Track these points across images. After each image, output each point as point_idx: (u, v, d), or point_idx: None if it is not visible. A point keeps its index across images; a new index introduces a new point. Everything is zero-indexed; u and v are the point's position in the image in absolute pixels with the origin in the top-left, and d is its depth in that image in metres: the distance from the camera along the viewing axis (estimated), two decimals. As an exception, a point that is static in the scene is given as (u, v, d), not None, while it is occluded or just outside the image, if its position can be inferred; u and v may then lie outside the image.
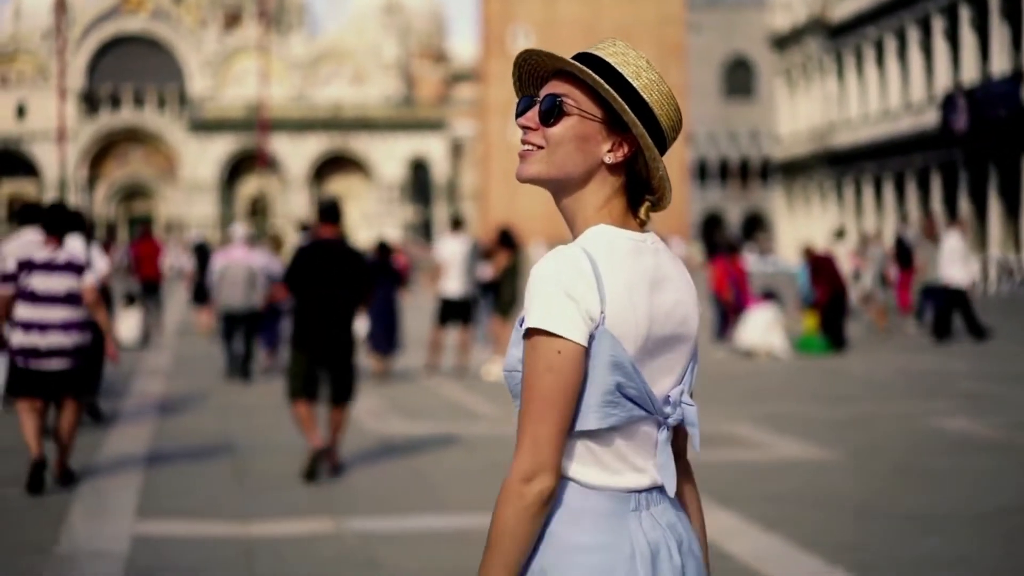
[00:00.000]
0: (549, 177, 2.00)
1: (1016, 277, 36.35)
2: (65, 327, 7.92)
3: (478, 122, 70.64)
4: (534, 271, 1.94)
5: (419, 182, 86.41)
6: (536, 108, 2.01)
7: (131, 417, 11.39)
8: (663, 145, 2.01)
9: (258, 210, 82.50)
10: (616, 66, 1.98)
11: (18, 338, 7.92)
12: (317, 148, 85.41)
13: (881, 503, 7.35)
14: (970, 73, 43.98)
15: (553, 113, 1.98)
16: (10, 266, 8.00)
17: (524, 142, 2.01)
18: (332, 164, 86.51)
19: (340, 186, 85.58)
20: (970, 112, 41.66)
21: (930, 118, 45.64)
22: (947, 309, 18.39)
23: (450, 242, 14.94)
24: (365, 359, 14.49)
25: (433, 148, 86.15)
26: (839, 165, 56.20)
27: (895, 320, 21.71)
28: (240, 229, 15.46)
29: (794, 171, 62.67)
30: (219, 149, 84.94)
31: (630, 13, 61.19)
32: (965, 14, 44.42)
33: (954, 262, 18.18)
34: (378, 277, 13.31)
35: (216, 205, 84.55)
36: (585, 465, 1.96)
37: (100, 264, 8.42)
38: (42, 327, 7.89)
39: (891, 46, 51.15)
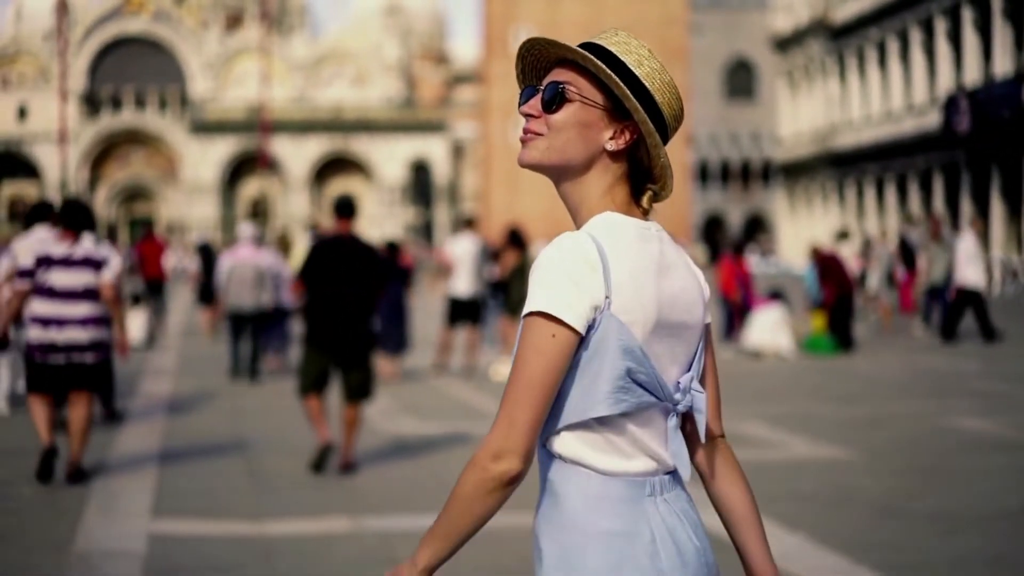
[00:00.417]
0: (550, 163, 2.01)
1: (1021, 278, 36.30)
2: (83, 322, 7.90)
3: (479, 123, 70.60)
4: (539, 256, 1.94)
5: (420, 184, 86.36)
6: (539, 96, 2.02)
7: (140, 416, 11.34)
8: (665, 134, 2.01)
9: (259, 212, 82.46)
10: (618, 55, 1.99)
11: (35, 333, 7.90)
12: (318, 149, 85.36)
13: (903, 502, 7.29)
14: (972, 74, 43.94)
15: (555, 100, 2.00)
16: (26, 262, 7.97)
17: (526, 130, 2.03)
18: (333, 166, 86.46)
19: (341, 188, 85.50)
20: (973, 113, 41.62)
21: (932, 119, 45.60)
22: (958, 310, 18.31)
23: (461, 241, 14.88)
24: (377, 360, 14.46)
25: (434, 150, 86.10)
26: (841, 166, 56.17)
27: (899, 321, 21.66)
28: (248, 229, 15.44)
29: (796, 173, 62.64)
30: (220, 151, 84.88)
31: (632, 14, 61.14)
32: (968, 15, 44.39)
33: (970, 263, 18.08)
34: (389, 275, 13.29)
35: (217, 207, 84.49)
36: (600, 452, 1.96)
37: (115, 261, 8.41)
38: (60, 323, 7.86)
39: (893, 47, 51.12)
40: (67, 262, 7.93)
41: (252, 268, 14.65)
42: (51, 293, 7.88)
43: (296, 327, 17.93)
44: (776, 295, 18.07)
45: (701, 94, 73.43)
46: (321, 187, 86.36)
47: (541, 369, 1.89)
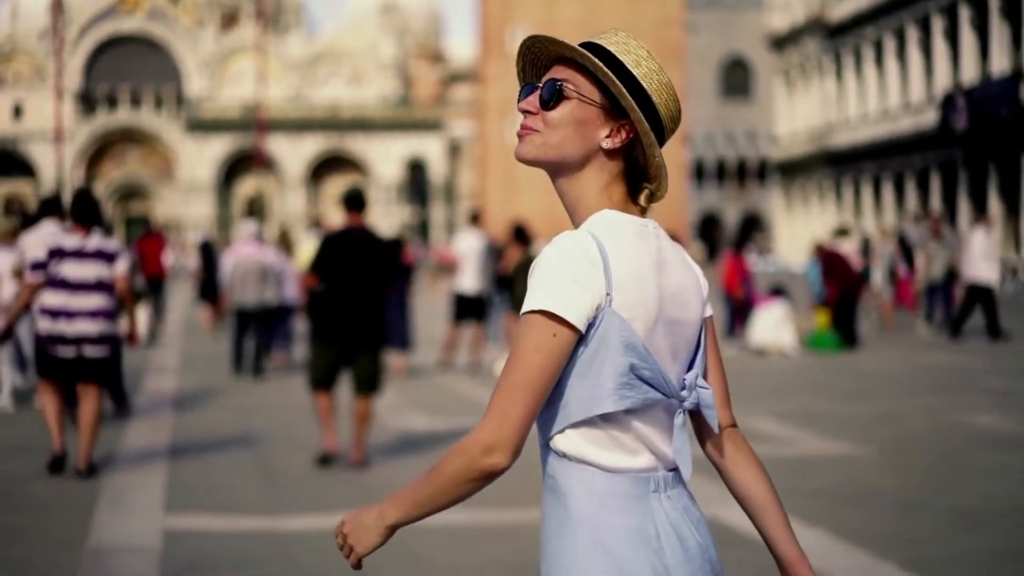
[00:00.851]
0: (546, 159, 2.03)
1: (1020, 276, 36.31)
2: (92, 314, 7.87)
3: (475, 122, 70.58)
4: (539, 255, 1.96)
5: (416, 182, 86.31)
6: (537, 93, 2.04)
7: (146, 413, 11.29)
8: (661, 135, 2.03)
9: (255, 210, 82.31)
10: (617, 54, 2.01)
11: (44, 325, 7.88)
12: (314, 148, 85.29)
13: (921, 498, 7.25)
14: (970, 73, 43.95)
15: (553, 97, 2.02)
16: (38, 254, 7.93)
17: (523, 126, 2.05)
18: (329, 164, 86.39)
19: (337, 186, 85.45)
20: (970, 112, 41.63)
21: (929, 118, 45.62)
22: (970, 306, 18.25)
23: (466, 237, 14.80)
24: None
25: (430, 148, 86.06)
26: (838, 165, 56.18)
27: (899, 317, 21.64)
28: (250, 226, 15.43)
29: (793, 171, 62.65)
30: (216, 149, 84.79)
31: (629, 14, 61.12)
32: (965, 14, 44.40)
33: (983, 259, 18.03)
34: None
35: (213, 205, 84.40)
36: (604, 449, 1.97)
37: (126, 254, 8.44)
38: (69, 314, 7.83)
39: (890, 46, 51.12)
40: (80, 254, 7.91)
41: (256, 265, 14.66)
42: (63, 284, 7.86)
43: (299, 324, 17.91)
44: (778, 292, 18.02)
45: (697, 93, 73.44)
46: (317, 186, 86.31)
47: (540, 367, 1.90)
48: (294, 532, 6.57)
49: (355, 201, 8.64)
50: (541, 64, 2.09)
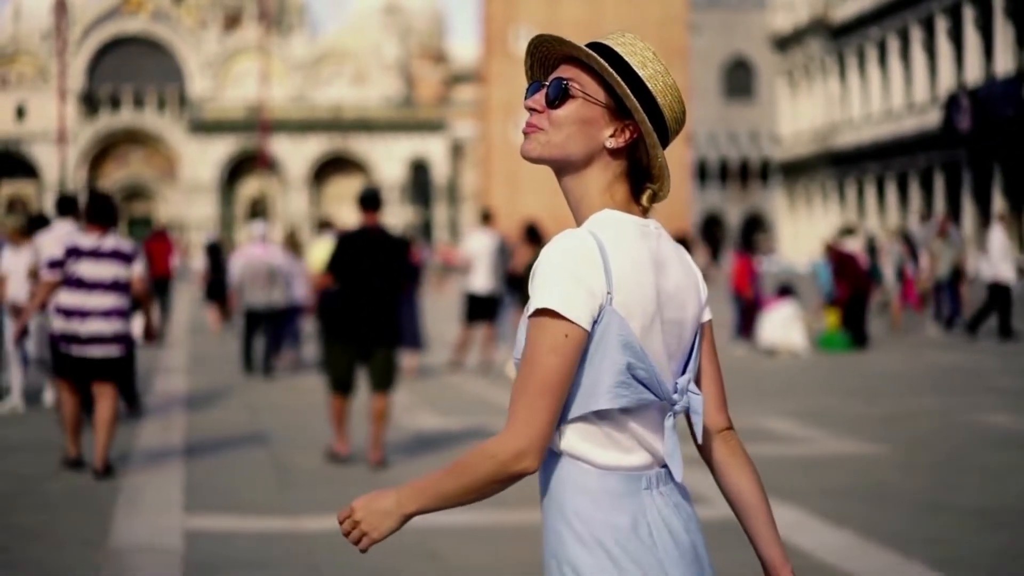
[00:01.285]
0: (550, 157, 2.06)
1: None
2: (106, 314, 7.87)
3: (479, 123, 70.55)
4: (541, 255, 1.97)
5: (419, 183, 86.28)
6: (543, 91, 2.07)
7: (159, 412, 11.27)
8: (665, 136, 2.06)
9: (258, 211, 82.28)
10: (623, 55, 2.04)
11: (59, 324, 7.88)
12: (317, 149, 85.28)
13: (942, 498, 7.22)
14: (974, 73, 43.90)
15: (559, 95, 2.04)
16: (55, 252, 7.93)
17: (529, 123, 2.07)
18: (332, 165, 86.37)
19: (340, 187, 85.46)
20: (974, 112, 41.58)
21: (933, 118, 45.57)
22: (991, 305, 18.19)
23: (479, 236, 14.74)
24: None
25: (433, 149, 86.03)
26: (841, 165, 56.13)
27: (908, 318, 21.60)
28: (259, 227, 15.42)
29: (796, 171, 62.61)
30: (219, 150, 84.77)
31: (632, 14, 61.08)
32: (969, 14, 44.35)
33: (1004, 258, 17.96)
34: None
35: (216, 206, 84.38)
36: (598, 446, 1.99)
37: (141, 255, 8.46)
38: (83, 314, 7.82)
39: (894, 46, 51.08)
40: (96, 254, 7.91)
41: (264, 266, 14.67)
42: (79, 284, 7.86)
43: (308, 324, 17.88)
44: (787, 291, 17.97)
45: (700, 93, 73.41)
46: (320, 186, 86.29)
47: (557, 368, 1.92)
48: (313, 533, 6.54)
49: (371, 201, 8.62)
50: (549, 63, 2.11)
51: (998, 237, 18.23)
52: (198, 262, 28.13)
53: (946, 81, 45.84)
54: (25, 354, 11.35)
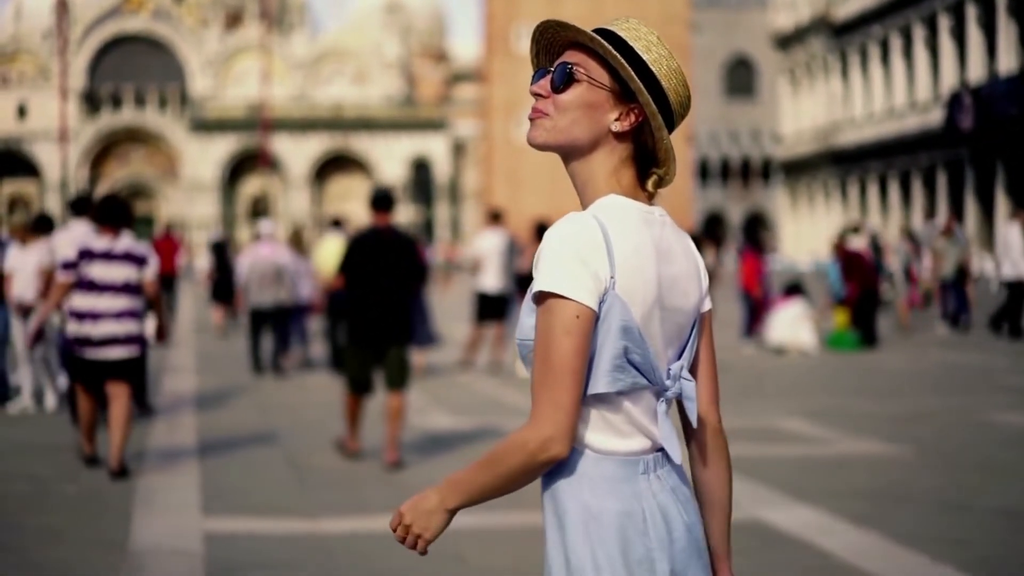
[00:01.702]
0: (556, 143, 2.07)
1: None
2: (119, 316, 7.86)
3: (480, 121, 70.51)
4: (546, 236, 1.97)
5: (420, 182, 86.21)
6: (549, 77, 2.08)
7: (170, 412, 11.24)
8: (671, 119, 2.06)
9: (260, 210, 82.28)
10: (627, 40, 2.06)
11: (72, 327, 7.88)
12: (318, 148, 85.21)
13: (963, 498, 7.18)
14: (976, 71, 43.87)
15: (564, 80, 2.05)
16: (70, 254, 7.91)
17: (535, 109, 2.08)
18: (333, 164, 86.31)
19: (341, 186, 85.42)
20: (976, 110, 41.55)
21: (936, 117, 45.54)
22: (1013, 303, 18.15)
23: (488, 235, 14.69)
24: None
25: (434, 148, 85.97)
26: (844, 164, 56.10)
27: (915, 316, 21.58)
28: (267, 226, 15.40)
29: (798, 170, 62.58)
30: (220, 149, 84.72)
31: (633, 12, 60.99)
32: (972, 12, 44.31)
33: (1022, 256, 17.89)
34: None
35: (217, 205, 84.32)
36: (595, 431, 2.00)
37: (152, 258, 8.44)
38: (95, 316, 7.81)
39: (896, 44, 51.04)
40: (108, 256, 7.90)
41: (271, 266, 14.67)
42: (91, 286, 7.85)
43: (314, 323, 17.85)
44: (795, 290, 17.94)
45: (701, 92, 73.35)
46: (321, 185, 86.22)
47: (573, 349, 1.92)
48: (332, 534, 6.51)
49: (383, 201, 8.59)
50: (554, 49, 2.13)
51: (1014, 234, 18.17)
52: (202, 261, 28.11)
53: (949, 79, 45.80)
54: (44, 355, 11.33)
